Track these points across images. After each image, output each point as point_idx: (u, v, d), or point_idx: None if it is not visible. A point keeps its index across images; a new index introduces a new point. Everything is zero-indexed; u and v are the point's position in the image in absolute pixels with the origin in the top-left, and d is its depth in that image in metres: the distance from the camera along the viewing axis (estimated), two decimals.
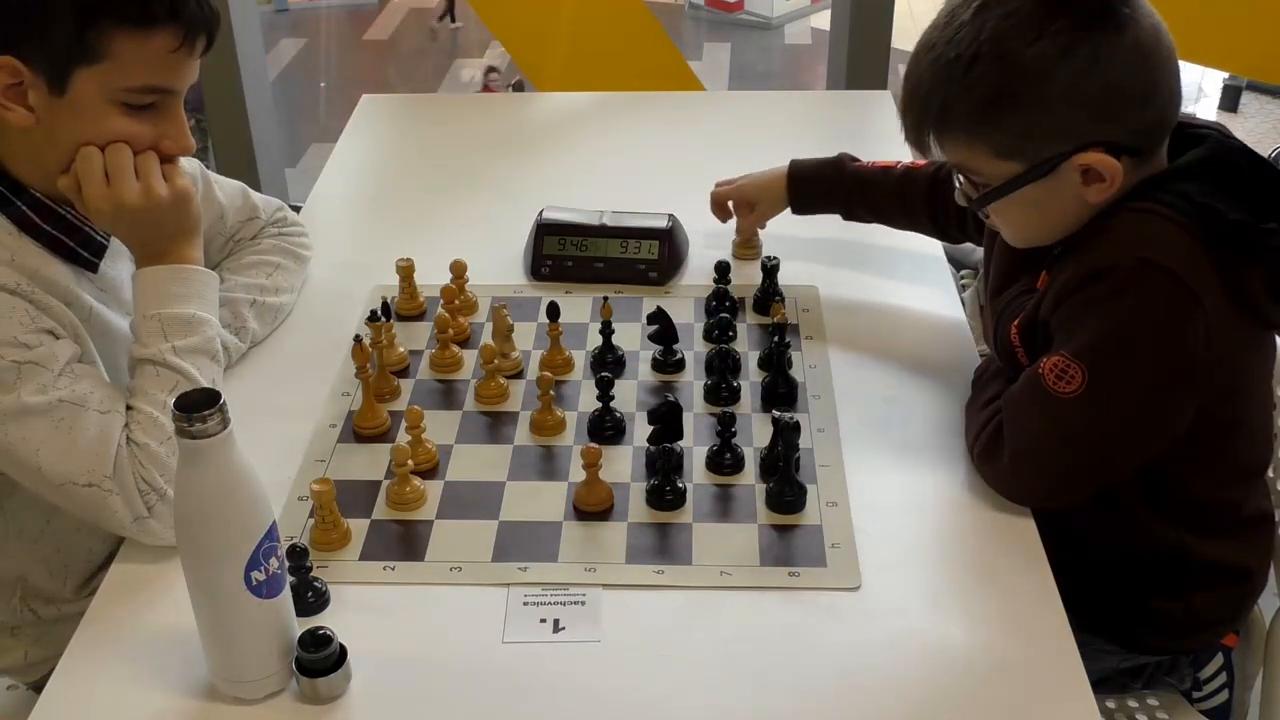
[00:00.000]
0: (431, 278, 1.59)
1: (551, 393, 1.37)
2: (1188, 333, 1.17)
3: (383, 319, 1.44)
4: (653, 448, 1.29)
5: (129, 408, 1.23)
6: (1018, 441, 1.23)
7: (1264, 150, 3.54)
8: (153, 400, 1.22)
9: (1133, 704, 1.43)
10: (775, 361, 1.42)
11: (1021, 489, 1.25)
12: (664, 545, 1.23)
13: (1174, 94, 1.22)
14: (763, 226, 1.72)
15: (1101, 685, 1.38)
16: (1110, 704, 1.42)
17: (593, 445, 1.26)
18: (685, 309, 1.58)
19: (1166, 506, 1.28)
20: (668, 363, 1.48)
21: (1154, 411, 1.21)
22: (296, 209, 1.74)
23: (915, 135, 1.26)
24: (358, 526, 1.25)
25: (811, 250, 1.71)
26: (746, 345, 1.52)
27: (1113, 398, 1.19)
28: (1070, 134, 1.18)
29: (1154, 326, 1.17)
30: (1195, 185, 1.19)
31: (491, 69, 4.61)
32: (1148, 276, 1.16)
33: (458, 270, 1.58)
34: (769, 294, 1.57)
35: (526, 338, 1.53)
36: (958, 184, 1.29)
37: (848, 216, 1.65)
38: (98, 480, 1.18)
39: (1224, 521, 1.32)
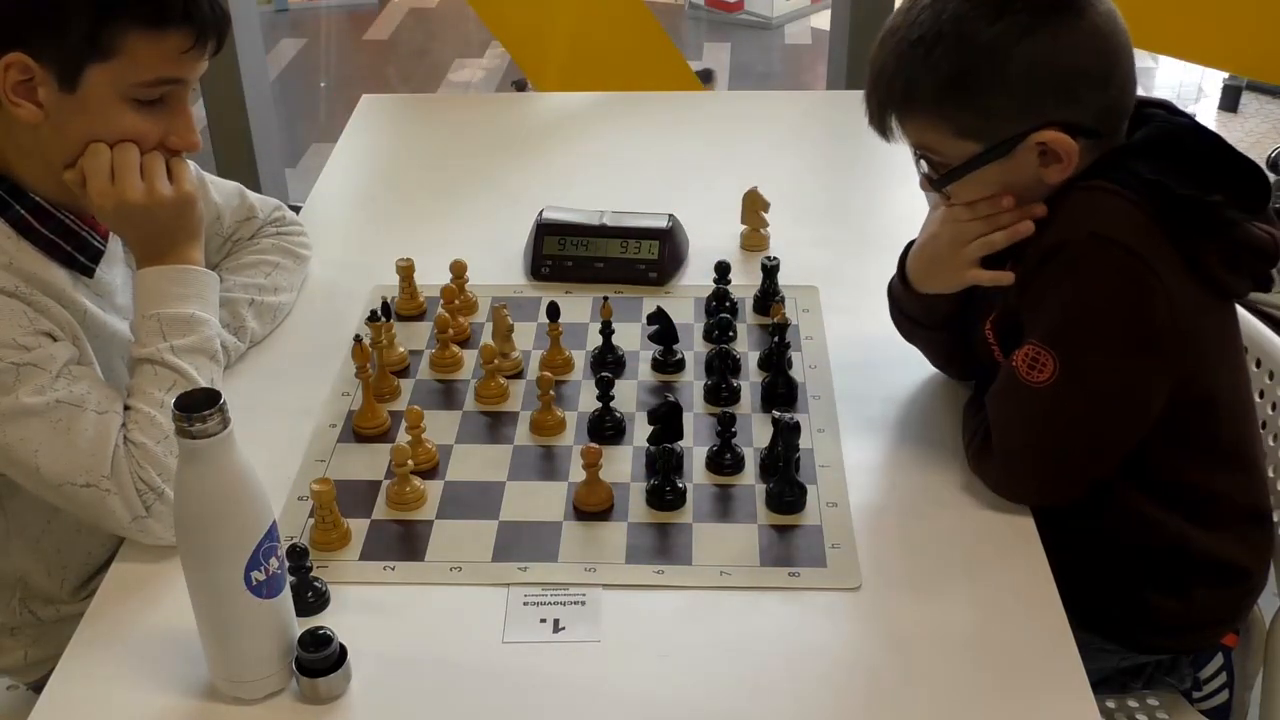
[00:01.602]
0: (431, 278, 1.59)
1: (551, 393, 1.37)
2: (1147, 301, 1.18)
3: (383, 319, 1.44)
4: (653, 448, 1.29)
5: (127, 407, 1.23)
6: (1003, 440, 1.24)
7: (1264, 150, 3.55)
8: (150, 399, 1.22)
9: (1133, 704, 1.43)
10: (775, 362, 1.42)
11: (1015, 487, 1.26)
12: (664, 545, 1.23)
13: (1130, 78, 1.25)
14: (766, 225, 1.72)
15: (1101, 685, 1.38)
16: (1110, 704, 1.42)
17: (593, 445, 1.26)
18: (685, 309, 1.58)
19: (1162, 494, 1.29)
20: (668, 363, 1.48)
21: (1128, 386, 1.22)
22: (296, 209, 1.74)
23: (878, 118, 1.29)
24: (358, 526, 1.25)
25: (811, 250, 1.71)
26: (746, 345, 1.52)
27: (1085, 377, 1.20)
28: (1030, 114, 1.21)
29: (1113, 298, 1.19)
30: (1144, 163, 1.21)
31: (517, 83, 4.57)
32: (1099, 249, 1.18)
33: (458, 270, 1.58)
34: (769, 294, 1.57)
35: (526, 338, 1.53)
36: (920, 169, 1.31)
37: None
38: (95, 480, 1.17)
39: (1222, 512, 1.31)
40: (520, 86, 3.99)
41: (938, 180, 1.29)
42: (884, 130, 1.29)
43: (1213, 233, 1.21)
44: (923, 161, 1.29)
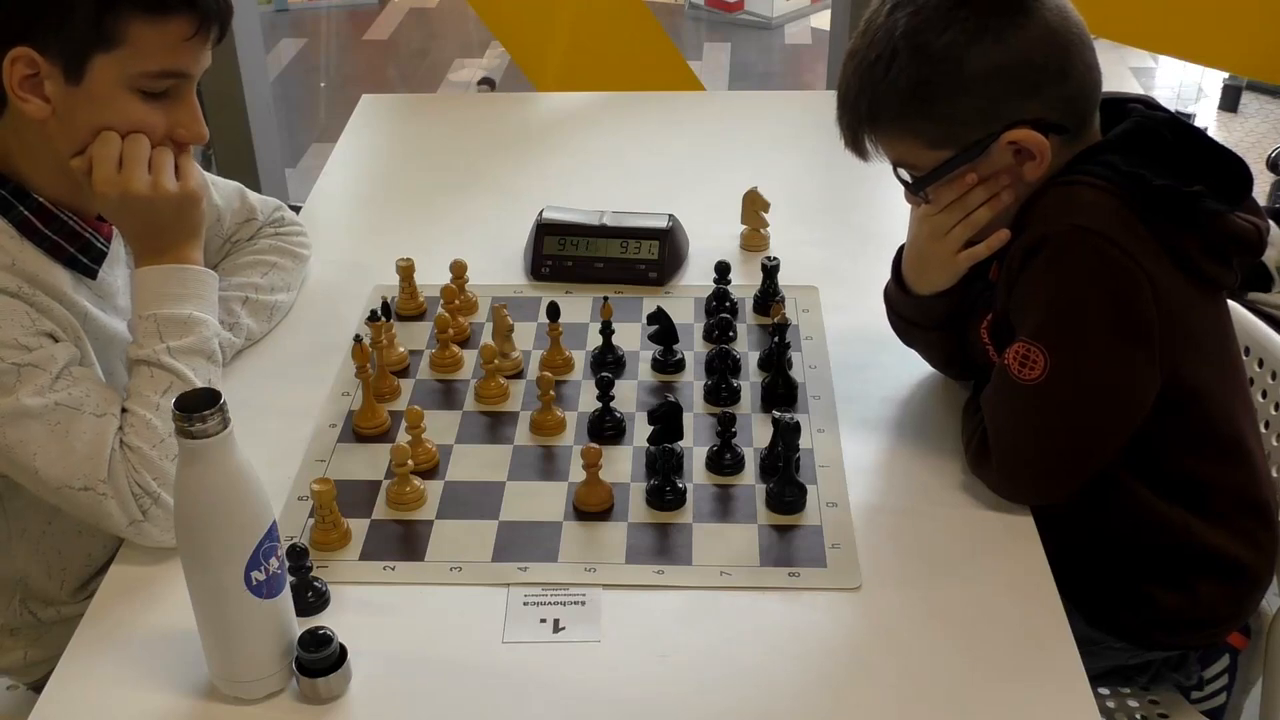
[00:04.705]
0: (431, 278, 1.59)
1: (551, 393, 1.37)
2: (1132, 290, 1.19)
3: (383, 319, 1.44)
4: (653, 448, 1.29)
5: (124, 410, 1.22)
6: (999, 440, 1.25)
7: (1264, 150, 3.55)
8: (146, 402, 1.22)
9: (1133, 704, 1.43)
10: (775, 362, 1.42)
11: (1013, 488, 1.26)
12: (664, 545, 1.23)
13: (1090, 68, 1.26)
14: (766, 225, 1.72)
15: (1106, 678, 1.39)
16: (1111, 704, 1.42)
17: (593, 445, 1.26)
18: (685, 309, 1.58)
19: (1163, 486, 1.29)
20: (668, 363, 1.48)
21: (1119, 376, 1.22)
22: (296, 209, 1.74)
23: (852, 139, 1.31)
24: (358, 526, 1.25)
25: (811, 250, 1.71)
26: (746, 345, 1.52)
27: (1076, 370, 1.21)
28: (993, 115, 1.23)
29: (1097, 288, 1.20)
30: (1122, 156, 1.23)
31: (485, 80, 4.57)
32: (1081, 241, 1.19)
33: (458, 270, 1.58)
34: (769, 294, 1.57)
35: (526, 338, 1.53)
36: (902, 183, 1.32)
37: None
38: (93, 484, 1.17)
39: (1222, 505, 1.31)
40: (489, 84, 3.98)
41: (914, 184, 1.30)
42: (860, 151, 1.31)
43: (1192, 223, 1.22)
44: (902, 172, 1.31)
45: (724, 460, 1.31)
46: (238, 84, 2.93)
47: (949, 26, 1.21)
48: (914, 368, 1.45)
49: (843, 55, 1.32)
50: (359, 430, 1.38)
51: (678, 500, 1.27)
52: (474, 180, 1.95)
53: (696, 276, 1.65)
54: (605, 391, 1.36)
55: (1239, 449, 1.33)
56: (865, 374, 1.46)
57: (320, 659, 1.05)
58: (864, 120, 1.28)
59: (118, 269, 1.38)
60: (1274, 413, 1.49)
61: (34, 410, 1.17)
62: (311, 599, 1.15)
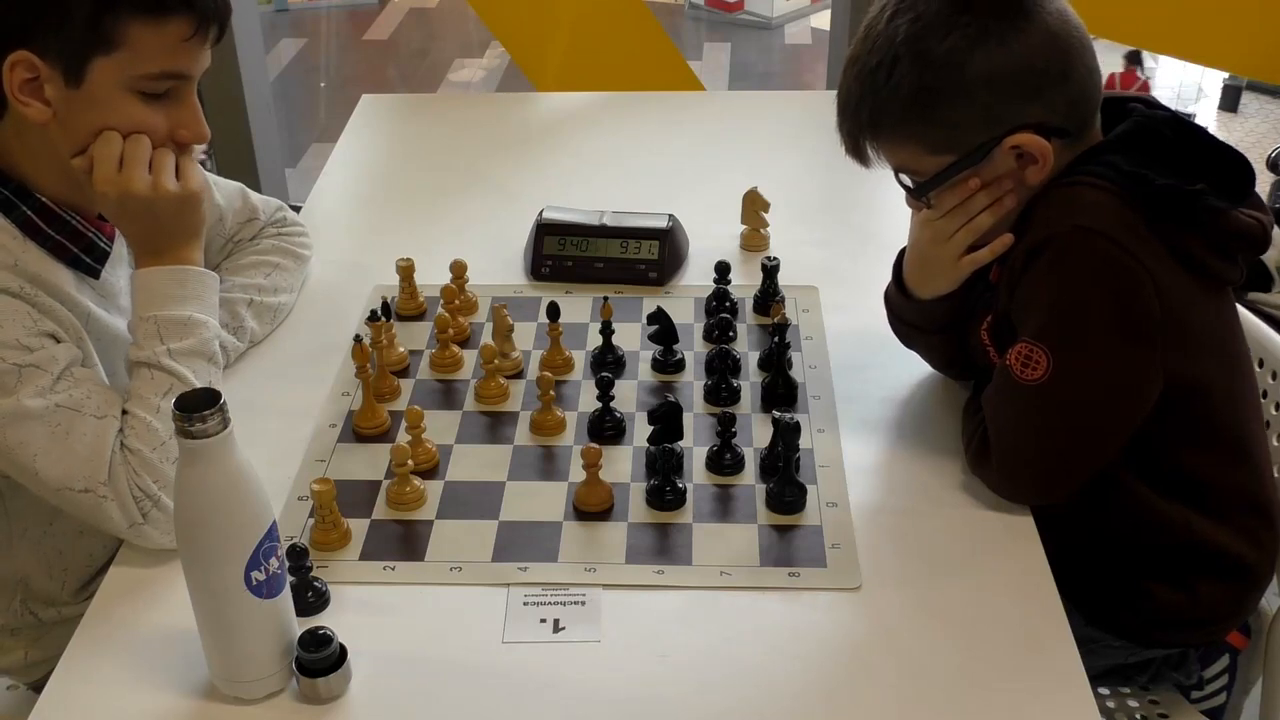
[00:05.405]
0: (431, 278, 1.59)
1: (551, 393, 1.37)
2: (1135, 291, 1.19)
3: (383, 319, 1.44)
4: (653, 448, 1.29)
5: (125, 412, 1.22)
6: (1000, 440, 1.25)
7: (1263, 150, 3.56)
8: (147, 405, 1.22)
9: (1133, 704, 1.43)
10: (775, 362, 1.42)
11: (1013, 488, 1.26)
12: (664, 545, 1.23)
13: (1090, 69, 1.26)
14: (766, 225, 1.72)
15: (1107, 677, 1.38)
16: (1111, 704, 1.42)
17: (593, 445, 1.26)
18: (685, 309, 1.58)
19: (1164, 483, 1.29)
20: (668, 363, 1.48)
21: (1122, 376, 1.22)
22: (296, 209, 1.74)
23: (853, 146, 1.31)
24: (358, 526, 1.25)
25: (811, 250, 1.71)
26: (746, 345, 1.52)
27: (1079, 371, 1.21)
28: (995, 119, 1.23)
29: (1100, 289, 1.20)
30: (1123, 156, 1.23)
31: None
32: (1083, 241, 1.20)
33: (458, 270, 1.58)
34: (769, 294, 1.57)
35: (526, 338, 1.53)
36: (904, 188, 1.32)
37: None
38: (93, 486, 1.17)
39: (1223, 503, 1.31)
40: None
41: (916, 189, 1.30)
42: (861, 157, 1.31)
43: (1196, 221, 1.22)
44: (904, 177, 1.31)
45: (724, 460, 1.31)
46: (238, 84, 2.93)
47: (950, 32, 1.20)
48: (914, 368, 1.45)
49: (843, 56, 1.31)
50: (359, 430, 1.38)
51: (678, 500, 1.27)
52: (474, 180, 1.95)
53: (696, 276, 1.65)
54: (605, 391, 1.36)
55: (1242, 447, 1.33)
56: (865, 374, 1.46)
57: (320, 659, 1.05)
58: (865, 127, 1.28)
59: (121, 269, 1.38)
60: (1274, 413, 1.49)
61: (35, 411, 1.17)
62: (311, 599, 1.15)
